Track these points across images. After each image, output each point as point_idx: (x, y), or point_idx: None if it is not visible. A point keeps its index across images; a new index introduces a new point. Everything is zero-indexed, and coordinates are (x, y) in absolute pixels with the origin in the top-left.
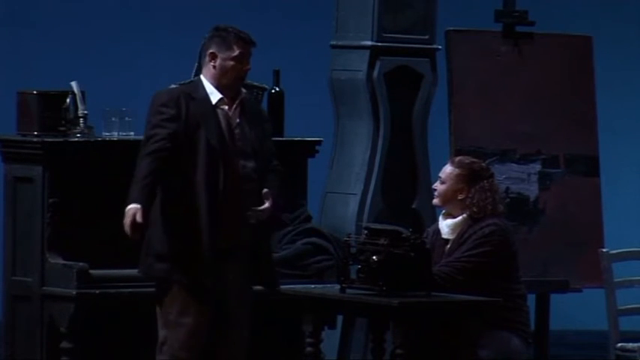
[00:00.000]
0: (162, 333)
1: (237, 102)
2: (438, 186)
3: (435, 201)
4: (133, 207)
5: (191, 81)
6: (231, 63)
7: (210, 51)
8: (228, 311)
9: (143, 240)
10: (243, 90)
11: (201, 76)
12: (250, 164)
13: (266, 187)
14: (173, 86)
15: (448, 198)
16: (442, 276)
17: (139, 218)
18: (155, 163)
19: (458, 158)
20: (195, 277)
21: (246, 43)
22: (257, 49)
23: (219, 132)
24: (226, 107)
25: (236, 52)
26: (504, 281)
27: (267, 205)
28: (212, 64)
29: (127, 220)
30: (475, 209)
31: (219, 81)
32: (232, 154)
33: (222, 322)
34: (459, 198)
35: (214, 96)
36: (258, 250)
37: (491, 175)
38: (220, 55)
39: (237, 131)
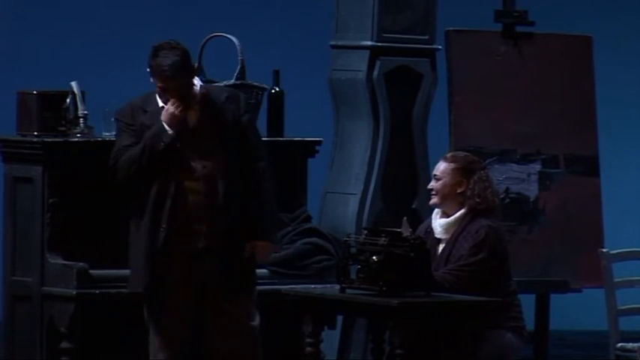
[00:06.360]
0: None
1: (193, 107)
2: (434, 185)
3: (434, 200)
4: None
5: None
6: (158, 89)
7: (148, 69)
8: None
9: None
10: (197, 88)
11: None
12: (210, 163)
13: (250, 215)
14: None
15: (447, 194)
16: (446, 285)
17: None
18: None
19: (450, 154)
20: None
21: (164, 79)
22: (256, 49)
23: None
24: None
25: (159, 84)
26: (499, 280)
27: (262, 249)
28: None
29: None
30: (478, 199)
31: None
32: (189, 157)
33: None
34: (458, 191)
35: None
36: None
37: (485, 167)
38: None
39: (194, 134)
